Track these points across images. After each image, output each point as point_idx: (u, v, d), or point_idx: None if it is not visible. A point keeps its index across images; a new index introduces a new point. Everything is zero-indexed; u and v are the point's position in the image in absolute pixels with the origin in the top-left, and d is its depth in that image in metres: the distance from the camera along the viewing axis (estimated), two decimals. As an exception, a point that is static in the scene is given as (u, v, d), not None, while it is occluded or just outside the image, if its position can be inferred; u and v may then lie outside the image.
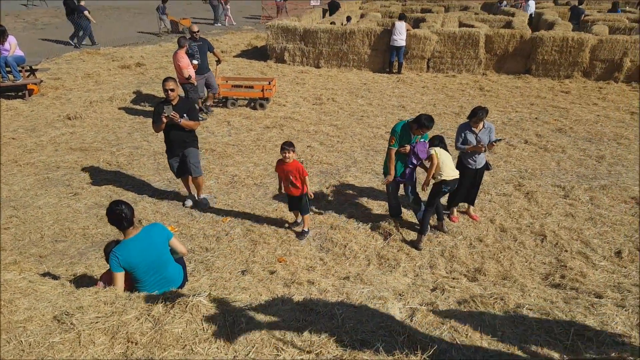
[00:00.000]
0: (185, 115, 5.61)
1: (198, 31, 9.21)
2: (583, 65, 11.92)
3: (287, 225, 5.75)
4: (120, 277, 3.45)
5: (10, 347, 2.49)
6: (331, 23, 14.38)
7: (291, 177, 5.20)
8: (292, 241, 5.41)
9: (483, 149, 5.30)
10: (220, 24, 20.25)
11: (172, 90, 5.49)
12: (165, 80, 5.53)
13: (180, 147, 5.83)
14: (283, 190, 5.47)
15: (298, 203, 5.45)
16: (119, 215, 3.41)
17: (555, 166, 7.27)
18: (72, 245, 5.40)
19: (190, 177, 6.15)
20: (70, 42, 15.33)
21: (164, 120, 5.43)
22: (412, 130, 5.19)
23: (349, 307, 3.00)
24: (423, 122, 5.01)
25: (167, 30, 18.05)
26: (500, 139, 5.40)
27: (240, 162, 7.50)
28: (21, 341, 2.55)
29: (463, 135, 5.39)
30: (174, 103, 5.58)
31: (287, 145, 5.07)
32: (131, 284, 3.62)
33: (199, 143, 8.10)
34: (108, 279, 3.63)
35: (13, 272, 4.03)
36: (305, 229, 5.52)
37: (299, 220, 5.69)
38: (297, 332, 2.69)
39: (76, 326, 2.70)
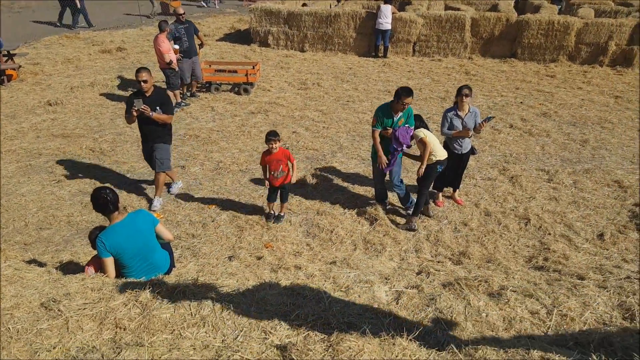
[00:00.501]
0: (158, 108, 5.41)
1: (184, 13, 9.02)
2: (568, 49, 12.01)
3: (264, 217, 5.65)
4: (110, 262, 3.43)
5: (-4, 335, 2.47)
6: (303, 5, 14.19)
7: (281, 166, 5.17)
8: (278, 227, 5.42)
9: (470, 133, 5.34)
10: (205, 5, 19.90)
11: (146, 81, 5.28)
12: (139, 70, 5.31)
13: (153, 140, 5.67)
14: (267, 184, 5.36)
15: (281, 192, 5.46)
16: (105, 199, 3.39)
17: (540, 150, 7.38)
18: (57, 232, 5.35)
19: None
20: (72, 25, 15.09)
21: (134, 113, 5.25)
22: (392, 108, 5.12)
23: (336, 290, 3.04)
24: (398, 91, 4.95)
25: (157, 13, 17.70)
26: (491, 117, 5.36)
27: (225, 148, 7.45)
28: (9, 328, 2.53)
29: (449, 120, 5.41)
30: (147, 94, 5.37)
31: (272, 136, 5.00)
32: (118, 270, 3.61)
33: (183, 129, 8.07)
34: (96, 266, 3.61)
35: (-3, 261, 3.98)
36: (282, 214, 5.62)
37: (275, 211, 5.65)
38: (285, 316, 2.73)
39: (64, 312, 2.69)
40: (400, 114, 5.18)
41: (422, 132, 5.18)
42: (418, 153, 5.47)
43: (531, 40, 12.11)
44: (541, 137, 7.83)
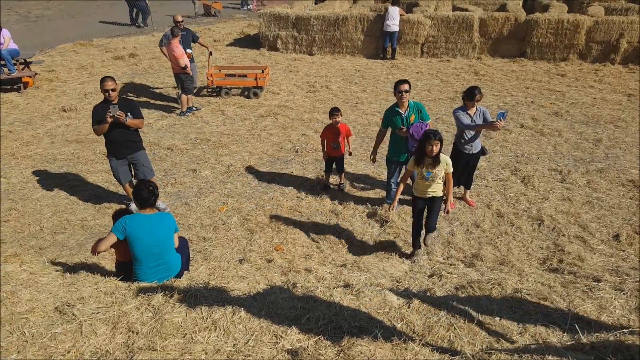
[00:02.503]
0: (129, 114, 5.34)
1: (182, 21, 9.14)
2: (579, 47, 11.87)
3: (322, 188, 6.30)
4: (113, 238, 3.52)
5: (13, 338, 2.51)
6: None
7: (340, 138, 5.90)
8: (288, 230, 5.43)
9: (499, 126, 5.02)
10: (246, 9, 20.65)
11: (114, 90, 5.18)
12: (104, 80, 5.17)
13: (128, 148, 5.49)
14: (324, 155, 6.14)
15: (337, 163, 6.14)
16: (150, 192, 3.67)
17: (552, 150, 7.29)
18: (71, 236, 5.42)
19: (132, 184, 5.75)
20: (133, 24, 16.60)
21: (109, 120, 5.13)
22: (397, 104, 5.28)
23: (347, 294, 3.03)
24: (395, 83, 5.27)
25: (199, 14, 18.67)
26: (505, 112, 5.06)
27: (236, 151, 7.49)
28: (24, 332, 2.57)
29: (465, 114, 5.29)
30: (114, 102, 5.27)
31: (335, 111, 5.82)
32: (130, 266, 3.68)
33: (194, 133, 8.13)
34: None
35: (14, 264, 4.04)
36: (342, 182, 6.32)
37: (331, 184, 6.39)
38: (296, 320, 2.72)
39: (77, 317, 2.72)
40: (407, 109, 5.24)
41: (449, 164, 4.51)
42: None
43: (541, 40, 11.99)
44: (553, 137, 7.74)
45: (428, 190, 4.51)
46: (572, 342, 2.37)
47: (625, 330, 2.45)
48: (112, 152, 5.50)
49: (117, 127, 5.28)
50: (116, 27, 16.68)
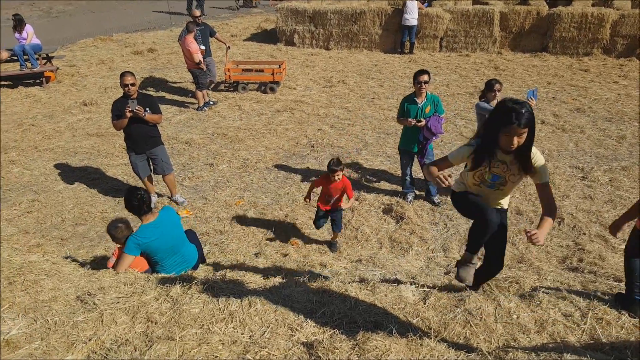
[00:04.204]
0: (147, 109, 5.36)
1: (200, 15, 9.18)
2: (603, 41, 11.56)
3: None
4: (129, 260, 3.49)
5: (37, 325, 2.58)
6: None
7: (336, 196, 4.75)
8: (303, 224, 5.45)
9: (532, 105, 4.85)
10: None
11: (133, 84, 5.21)
12: (124, 74, 5.21)
13: (147, 143, 5.55)
14: (315, 202, 4.94)
15: (333, 218, 4.93)
16: (140, 200, 3.49)
17: (574, 147, 7.14)
18: (92, 228, 5.53)
19: (152, 178, 5.95)
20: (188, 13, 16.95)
21: (128, 115, 5.17)
22: (416, 92, 5.25)
23: (362, 289, 3.03)
24: (415, 73, 5.21)
25: (240, 6, 19.30)
26: (535, 90, 4.83)
27: (252, 146, 7.53)
28: (47, 320, 2.64)
29: (488, 106, 5.20)
30: (133, 97, 5.32)
31: (336, 166, 4.44)
32: (151, 266, 3.72)
33: (211, 127, 8.20)
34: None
35: (37, 254, 4.15)
36: (335, 241, 5.13)
37: (333, 240, 5.16)
38: (311, 314, 2.74)
39: (98, 306, 2.78)
40: (424, 99, 5.26)
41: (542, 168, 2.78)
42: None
43: (563, 34, 11.72)
44: (575, 134, 7.58)
45: (491, 202, 2.96)
46: (592, 341, 2.33)
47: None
48: (131, 147, 5.57)
49: (136, 122, 5.33)
50: (136, 22, 16.85)
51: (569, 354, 2.08)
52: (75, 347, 2.32)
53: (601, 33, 11.43)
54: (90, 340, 2.35)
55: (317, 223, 4.99)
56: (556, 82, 10.12)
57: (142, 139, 5.50)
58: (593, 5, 12.41)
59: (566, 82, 10.09)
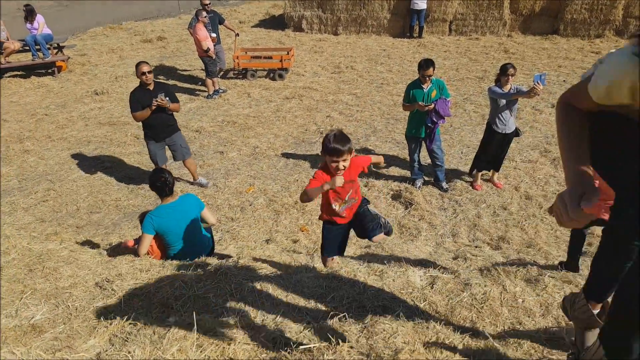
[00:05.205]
0: (167, 98, 5.50)
1: (209, 3, 9.18)
2: (615, 23, 11.35)
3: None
4: (148, 239, 3.64)
5: (59, 310, 2.71)
6: None
7: (352, 190, 2.95)
8: (313, 211, 5.52)
9: (539, 90, 4.87)
10: None
11: (150, 72, 5.36)
12: (140, 64, 5.36)
13: (165, 132, 5.69)
14: (324, 216, 3.12)
15: (364, 217, 3.06)
16: (163, 182, 3.65)
17: (583, 131, 7.08)
18: (106, 216, 5.67)
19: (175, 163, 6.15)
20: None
21: (154, 107, 5.32)
22: (422, 79, 5.26)
23: (370, 274, 3.11)
24: (419, 65, 5.22)
25: None
26: (544, 74, 4.91)
27: (262, 133, 7.59)
28: (68, 305, 2.76)
29: (500, 90, 5.19)
30: (150, 88, 5.45)
31: (341, 144, 2.63)
32: (163, 249, 3.84)
33: (221, 115, 8.27)
34: (136, 241, 3.84)
35: (55, 242, 4.28)
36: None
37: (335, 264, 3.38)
38: (321, 298, 2.83)
39: (117, 292, 2.90)
40: (429, 85, 5.30)
41: None
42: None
43: (574, 16, 11.52)
44: (586, 118, 7.50)
45: None
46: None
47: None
48: (151, 135, 5.68)
49: (156, 112, 5.47)
50: (145, 10, 16.85)
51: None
52: (97, 330, 2.43)
53: (613, 14, 11.21)
54: (111, 324, 2.47)
55: (331, 248, 3.24)
56: (567, 65, 9.99)
57: (161, 127, 5.63)
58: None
59: (577, 64, 9.95)
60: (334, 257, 3.31)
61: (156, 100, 5.30)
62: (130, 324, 2.45)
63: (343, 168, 2.71)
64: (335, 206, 2.97)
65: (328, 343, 2.13)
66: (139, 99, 5.39)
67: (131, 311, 2.64)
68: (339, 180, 2.72)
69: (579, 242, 3.70)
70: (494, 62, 10.27)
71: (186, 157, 5.95)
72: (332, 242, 3.22)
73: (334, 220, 3.07)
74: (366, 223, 3.02)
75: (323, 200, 3.04)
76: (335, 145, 2.63)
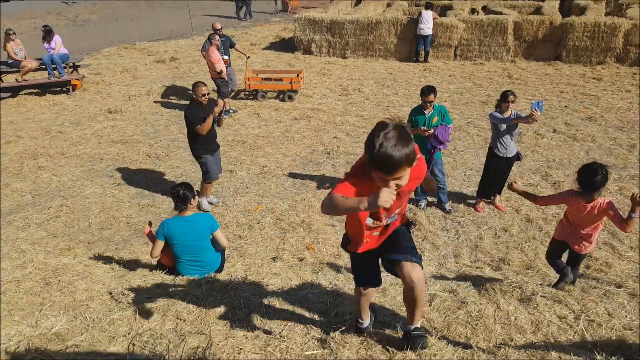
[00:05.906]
0: None
1: (222, 28, 9.56)
2: (616, 50, 11.61)
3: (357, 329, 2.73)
4: (159, 244, 3.88)
5: (77, 322, 2.88)
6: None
7: (400, 207, 2.28)
8: (319, 230, 5.68)
9: (537, 117, 5.01)
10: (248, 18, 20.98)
11: (209, 93, 5.82)
12: (199, 85, 5.71)
13: (216, 144, 6.11)
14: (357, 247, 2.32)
15: (398, 248, 2.33)
16: (175, 195, 3.89)
17: (584, 155, 7.25)
18: (117, 232, 5.84)
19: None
20: (237, 17, 19.23)
21: (216, 114, 5.74)
22: (423, 105, 5.47)
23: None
24: (422, 91, 5.45)
25: (279, 10, 20.91)
26: (543, 100, 5.12)
27: (270, 153, 7.81)
28: (86, 317, 2.93)
29: (500, 116, 5.36)
30: (205, 105, 5.81)
31: (398, 155, 1.79)
32: (173, 260, 4.06)
33: (231, 135, 8.52)
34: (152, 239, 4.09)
35: (69, 257, 4.47)
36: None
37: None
38: (325, 314, 2.98)
39: (131, 305, 3.07)
40: (431, 111, 5.51)
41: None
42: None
43: (576, 43, 11.79)
44: (586, 142, 7.68)
45: None
46: (580, 341, 2.52)
47: (628, 331, 2.59)
48: (207, 149, 5.97)
49: (212, 128, 5.87)
50: (159, 30, 17.37)
51: (554, 351, 2.28)
52: (116, 340, 2.60)
53: (614, 42, 11.47)
54: (129, 334, 2.63)
55: (365, 277, 2.52)
56: (569, 90, 10.20)
57: (214, 140, 6.06)
58: (606, 14, 12.45)
59: (579, 90, 10.17)
60: (369, 288, 2.51)
61: (213, 113, 5.64)
62: (147, 334, 2.62)
63: (397, 188, 1.85)
64: (373, 221, 2.18)
65: (330, 351, 2.28)
66: (197, 113, 5.71)
67: (146, 323, 2.81)
68: (387, 196, 1.73)
69: (558, 254, 4.00)
70: (498, 87, 10.50)
71: (222, 171, 6.35)
72: (363, 270, 2.48)
73: (360, 243, 2.24)
74: (399, 241, 2.29)
75: (351, 223, 2.30)
76: (391, 153, 1.72)
